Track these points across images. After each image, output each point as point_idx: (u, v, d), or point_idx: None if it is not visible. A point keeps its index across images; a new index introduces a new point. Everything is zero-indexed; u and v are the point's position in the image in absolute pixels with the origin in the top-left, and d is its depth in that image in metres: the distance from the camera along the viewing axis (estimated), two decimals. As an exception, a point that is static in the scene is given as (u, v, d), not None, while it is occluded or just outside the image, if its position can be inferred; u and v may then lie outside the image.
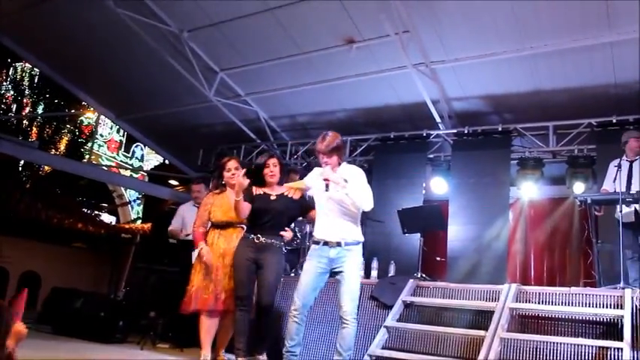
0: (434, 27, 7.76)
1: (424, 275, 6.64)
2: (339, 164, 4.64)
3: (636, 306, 4.62)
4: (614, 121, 8.14)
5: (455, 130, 9.07)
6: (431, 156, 9.46)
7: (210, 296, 5.06)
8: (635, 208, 5.88)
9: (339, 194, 4.48)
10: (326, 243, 4.51)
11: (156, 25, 8.61)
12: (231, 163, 5.36)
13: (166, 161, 13.94)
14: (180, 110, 10.70)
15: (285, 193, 4.89)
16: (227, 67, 9.58)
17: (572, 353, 4.63)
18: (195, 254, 6.92)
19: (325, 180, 4.49)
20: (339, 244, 4.49)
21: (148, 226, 13.99)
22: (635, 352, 4.35)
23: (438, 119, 9.10)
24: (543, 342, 4.80)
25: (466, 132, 8.92)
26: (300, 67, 9.05)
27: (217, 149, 11.32)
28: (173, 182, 14.83)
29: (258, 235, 4.95)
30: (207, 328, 5.11)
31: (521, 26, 7.44)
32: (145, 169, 22.79)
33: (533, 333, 4.97)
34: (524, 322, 5.15)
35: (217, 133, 11.13)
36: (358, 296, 4.56)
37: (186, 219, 7.27)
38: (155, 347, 6.49)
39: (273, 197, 5.06)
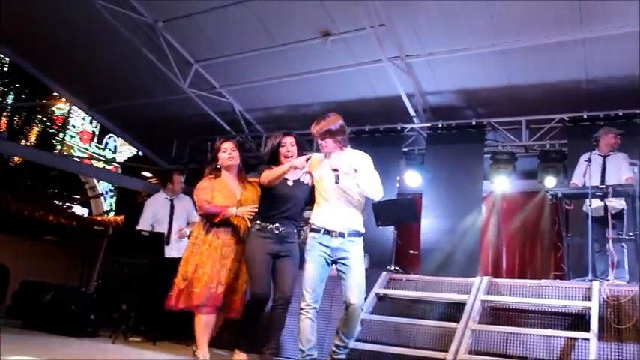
0: (410, 21, 7.80)
1: (397, 268, 6.69)
2: (341, 149, 4.36)
3: (603, 298, 4.72)
4: (585, 116, 8.28)
5: (429, 124, 9.12)
6: (405, 149, 9.51)
7: (202, 289, 4.64)
8: (605, 203, 5.97)
9: (348, 184, 4.24)
10: (328, 232, 4.23)
11: (130, 15, 8.52)
12: (227, 145, 5.03)
13: (140, 153, 13.77)
14: (154, 102, 10.59)
15: (301, 180, 4.57)
16: (202, 59, 9.52)
17: (542, 344, 4.73)
18: (170, 248, 6.90)
19: (335, 170, 4.19)
20: (342, 235, 4.22)
21: (120, 218, 13.85)
22: (601, 343, 4.46)
23: (412, 113, 9.14)
24: (514, 333, 4.88)
25: (440, 126, 8.98)
26: (276, 60, 9.02)
27: (192, 141, 11.25)
28: (146, 174, 14.70)
29: (277, 225, 4.50)
30: (205, 324, 4.70)
31: (496, 22, 7.51)
32: (118, 160, 22.52)
33: (504, 325, 5.04)
34: (495, 314, 5.22)
35: (192, 125, 11.03)
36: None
37: (158, 215, 7.11)
38: (127, 341, 6.43)
39: (290, 183, 4.57)
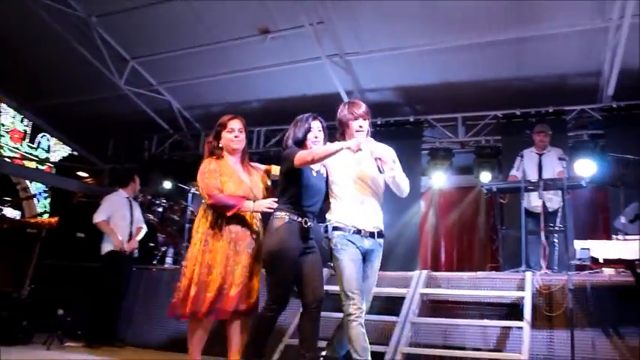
0: (348, 19, 7.85)
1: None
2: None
3: (536, 288, 4.89)
4: (518, 113, 8.56)
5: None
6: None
7: (214, 293, 3.94)
8: (544, 202, 6.17)
9: (384, 176, 3.80)
10: (358, 231, 3.72)
11: (63, 9, 8.21)
12: (235, 123, 4.26)
13: (75, 152, 13.36)
14: (89, 99, 10.24)
15: (322, 171, 4.01)
16: (138, 56, 9.29)
17: (479, 334, 4.87)
18: (109, 246, 6.69)
19: (378, 160, 3.66)
20: (372, 235, 3.76)
21: (55, 220, 13.40)
22: (534, 330, 4.63)
23: (351, 110, 9.18)
24: (452, 325, 5.00)
25: (379, 123, 9.07)
26: (214, 57, 8.91)
27: (129, 140, 11.00)
28: (82, 174, 14.28)
29: (306, 220, 3.88)
30: (204, 330, 4.10)
31: (433, 21, 7.64)
32: (51, 160, 21.79)
33: (443, 317, 5.14)
34: (434, 307, 5.32)
35: (129, 124, 10.76)
36: None
37: (115, 212, 6.84)
38: (63, 347, 6.23)
39: (314, 173, 3.95)
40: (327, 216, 3.87)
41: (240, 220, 4.07)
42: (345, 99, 8.91)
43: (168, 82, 9.82)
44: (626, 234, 5.70)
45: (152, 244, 7.80)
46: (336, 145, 3.65)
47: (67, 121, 11.35)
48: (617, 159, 6.15)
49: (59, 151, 22.57)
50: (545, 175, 6.35)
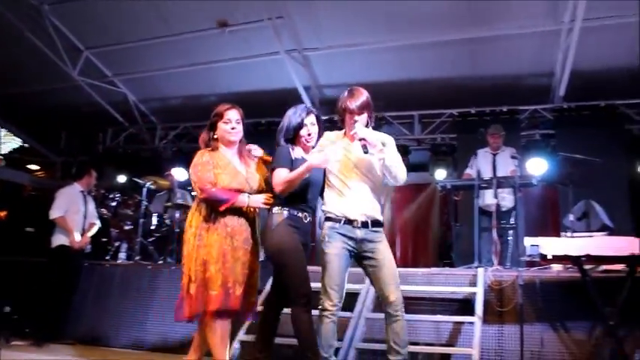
0: (308, 14, 7.85)
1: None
2: (366, 126, 3.74)
3: (487, 283, 4.99)
4: (473, 112, 8.72)
5: (325, 117, 9.15)
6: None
7: (220, 291, 3.67)
8: (498, 203, 6.29)
9: (371, 161, 3.69)
10: (349, 222, 3.61)
11: (13, -5, 7.98)
12: (232, 114, 3.97)
13: (25, 145, 13.00)
14: (40, 90, 9.96)
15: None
16: (93, 46, 9.09)
17: (432, 330, 4.94)
18: (60, 240, 6.52)
19: (362, 140, 3.55)
20: (365, 225, 3.62)
21: (3, 214, 13.05)
22: (485, 325, 4.72)
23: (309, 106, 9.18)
24: (406, 320, 5.04)
25: (336, 119, 9.07)
26: (172, 49, 8.78)
27: (82, 132, 10.76)
28: (33, 167, 13.92)
29: (306, 214, 3.76)
30: (222, 335, 3.76)
31: (392, 18, 7.70)
32: (0, 152, 21.16)
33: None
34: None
35: (82, 116, 10.51)
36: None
37: (70, 206, 6.63)
38: (9, 345, 6.04)
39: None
40: (323, 208, 3.78)
41: (236, 213, 3.83)
42: (304, 94, 8.94)
43: (124, 73, 9.64)
44: (574, 231, 5.88)
45: (105, 239, 7.66)
46: (302, 168, 3.55)
47: (17, 112, 11.00)
48: (567, 158, 6.31)
49: (9, 143, 21.95)
50: (499, 174, 6.48)
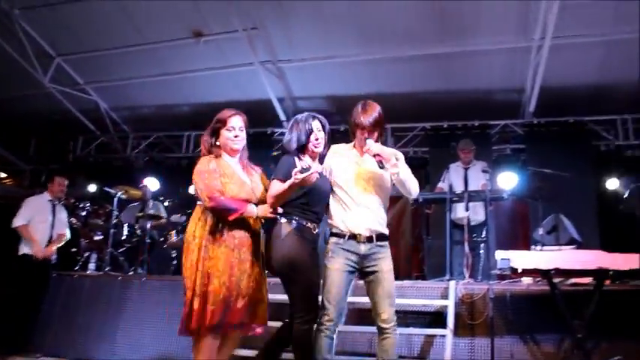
0: (282, 26, 7.88)
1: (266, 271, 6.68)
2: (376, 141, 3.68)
3: (459, 296, 5.02)
4: (445, 126, 8.82)
5: (299, 129, 9.23)
6: (275, 154, 9.54)
7: (220, 306, 3.45)
8: (469, 217, 6.35)
9: (382, 175, 3.65)
10: (353, 236, 3.57)
11: (-18, 0, 7.85)
12: (235, 121, 3.77)
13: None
14: (10, 97, 9.75)
15: (323, 172, 3.70)
16: (65, 53, 8.98)
17: (404, 342, 4.93)
18: (23, 249, 6.39)
19: (377, 156, 3.50)
20: (370, 240, 3.57)
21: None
22: (456, 338, 4.75)
23: (282, 117, 9.23)
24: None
25: (342, 129, 9.13)
26: (145, 58, 8.73)
27: (53, 140, 10.60)
28: (0, 175, 13.68)
29: (315, 226, 3.65)
30: (213, 350, 3.52)
31: (366, 32, 7.79)
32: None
33: (369, 325, 5.19)
34: (360, 315, 5.35)
35: (52, 123, 10.36)
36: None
37: (36, 215, 6.50)
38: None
39: (319, 175, 3.52)
40: (328, 220, 3.71)
41: (243, 224, 3.62)
42: (277, 106, 8.95)
43: (96, 81, 9.54)
44: (544, 245, 5.97)
45: (74, 250, 7.53)
46: (287, 184, 3.38)
47: (-16, 118, 10.83)
48: (537, 173, 6.42)
49: (-25, 149, 21.51)
50: (471, 188, 6.55)
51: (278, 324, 4.03)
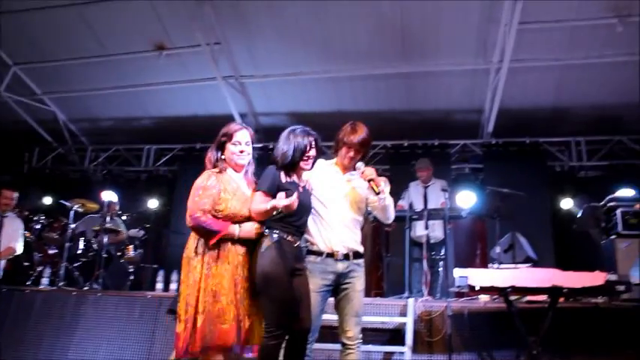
0: (245, 41, 7.90)
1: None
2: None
3: (417, 314, 5.06)
4: (406, 144, 8.93)
5: (260, 145, 9.21)
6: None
7: (233, 325, 3.30)
8: (428, 235, 6.41)
9: (360, 194, 3.69)
10: (331, 255, 3.57)
11: None
12: (242, 135, 3.59)
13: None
14: (-39, 105, 9.56)
15: (307, 186, 3.68)
16: (22, 62, 8.82)
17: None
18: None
19: (371, 181, 3.52)
20: (346, 257, 3.59)
21: None
22: (415, 355, 4.78)
23: (244, 133, 9.17)
24: (336, 350, 5.01)
25: (271, 147, 9.11)
26: (106, 69, 8.63)
27: (6, 151, 10.30)
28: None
29: (296, 238, 3.55)
30: None
31: (329, 50, 7.86)
32: None
33: (328, 342, 5.17)
34: (321, 333, 5.35)
35: (7, 134, 10.07)
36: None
37: None
38: None
39: (301, 189, 3.58)
40: (305, 236, 3.65)
41: (245, 242, 3.46)
42: (239, 121, 8.89)
43: (54, 92, 9.39)
44: (501, 263, 6.06)
45: (27, 264, 7.32)
46: (269, 204, 3.33)
47: None
48: (494, 192, 6.53)
49: None
50: (430, 206, 6.62)
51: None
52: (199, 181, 3.49)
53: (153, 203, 9.51)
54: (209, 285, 3.32)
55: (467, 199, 7.46)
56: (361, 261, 3.68)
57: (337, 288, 3.61)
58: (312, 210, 3.67)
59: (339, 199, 3.67)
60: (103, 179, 10.05)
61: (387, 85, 8.38)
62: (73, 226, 7.21)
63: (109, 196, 7.64)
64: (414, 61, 7.90)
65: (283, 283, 3.40)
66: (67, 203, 7.33)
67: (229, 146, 3.57)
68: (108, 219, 7.36)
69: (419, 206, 6.62)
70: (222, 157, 3.58)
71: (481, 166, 8.98)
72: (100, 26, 7.95)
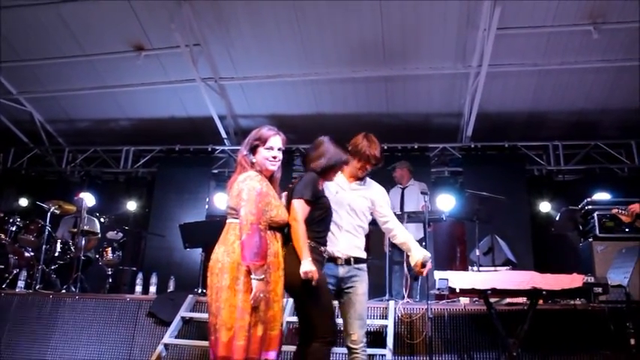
0: (225, 43, 7.86)
1: (205, 290, 6.57)
2: None
3: (398, 316, 5.07)
4: (385, 147, 8.84)
5: (239, 147, 9.17)
6: (215, 171, 9.49)
7: (280, 330, 3.28)
8: None
9: (365, 204, 3.80)
10: (332, 259, 3.60)
11: None
12: (276, 140, 3.47)
13: None
14: None
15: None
16: (-3, 61, 8.66)
17: (343, 363, 4.92)
18: None
19: (423, 269, 3.71)
20: (348, 262, 3.64)
21: None
22: (396, 357, 4.78)
23: (224, 135, 9.18)
24: (342, 354, 5.01)
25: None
26: (83, 70, 8.54)
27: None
28: None
29: (324, 248, 3.56)
30: None
31: (308, 53, 7.86)
32: None
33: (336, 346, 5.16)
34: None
35: (-19, 134, 9.97)
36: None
37: None
38: None
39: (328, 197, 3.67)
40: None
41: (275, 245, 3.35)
42: (218, 123, 8.90)
43: (30, 92, 9.24)
44: (480, 265, 6.11)
45: (2, 266, 7.19)
46: (309, 264, 3.25)
47: None
48: (473, 195, 6.58)
49: None
50: (407, 208, 6.64)
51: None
52: (252, 184, 3.26)
53: (132, 205, 9.45)
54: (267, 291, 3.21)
55: (446, 202, 7.52)
56: (363, 265, 3.72)
57: (339, 292, 3.65)
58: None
59: (343, 206, 3.73)
60: (80, 181, 9.94)
61: (367, 88, 8.41)
62: (49, 228, 7.12)
63: (84, 197, 7.56)
64: (394, 64, 7.94)
65: (326, 289, 3.45)
66: (44, 205, 7.23)
67: (262, 150, 3.43)
68: (85, 220, 7.27)
69: (397, 208, 6.63)
70: (253, 160, 3.43)
71: (460, 170, 9.04)
72: (78, 26, 7.85)
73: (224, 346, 3.08)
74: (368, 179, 3.97)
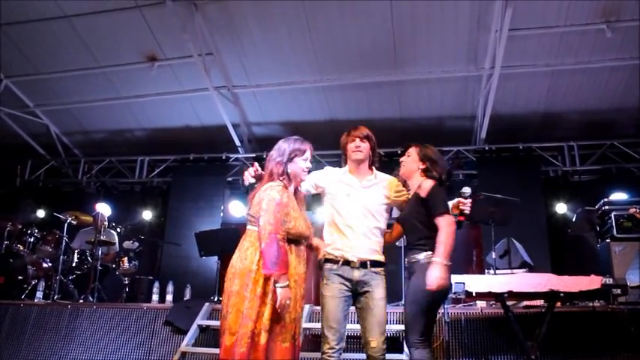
0: (237, 52, 7.91)
1: (221, 298, 6.59)
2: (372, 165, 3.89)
3: (415, 320, 5.03)
4: (399, 152, 8.86)
5: (254, 155, 9.23)
6: (230, 179, 9.52)
7: (292, 344, 3.23)
8: None
9: (381, 204, 3.69)
10: (347, 262, 3.49)
11: None
12: (309, 153, 3.49)
13: None
14: (-48, 119, 9.51)
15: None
16: (14, 74, 8.78)
17: (358, 368, 4.91)
18: None
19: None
20: (364, 265, 3.50)
21: None
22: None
23: (237, 143, 9.21)
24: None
25: (265, 156, 9.08)
26: (98, 81, 8.62)
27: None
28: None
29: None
30: None
31: (320, 60, 7.88)
32: None
33: (356, 352, 5.14)
34: (315, 341, 5.32)
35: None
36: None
37: None
38: None
39: None
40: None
41: (302, 259, 3.38)
42: (232, 131, 8.94)
43: (46, 104, 9.35)
44: (497, 268, 6.06)
45: (21, 277, 7.26)
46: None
47: None
48: (489, 198, 6.53)
49: None
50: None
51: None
52: (275, 195, 3.24)
53: (147, 215, 9.50)
54: (295, 295, 3.23)
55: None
56: (380, 269, 3.57)
57: (356, 297, 3.52)
58: (330, 220, 3.64)
59: (356, 208, 3.61)
60: (96, 191, 10.02)
61: (379, 93, 8.41)
62: (66, 238, 7.18)
63: (101, 208, 7.62)
64: (406, 68, 7.94)
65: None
66: (61, 216, 7.31)
67: (299, 160, 3.41)
68: (102, 231, 7.33)
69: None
70: (289, 170, 3.39)
71: (475, 172, 8.98)
72: (91, 38, 7.94)
73: (225, 350, 3.10)
74: (378, 173, 3.86)
